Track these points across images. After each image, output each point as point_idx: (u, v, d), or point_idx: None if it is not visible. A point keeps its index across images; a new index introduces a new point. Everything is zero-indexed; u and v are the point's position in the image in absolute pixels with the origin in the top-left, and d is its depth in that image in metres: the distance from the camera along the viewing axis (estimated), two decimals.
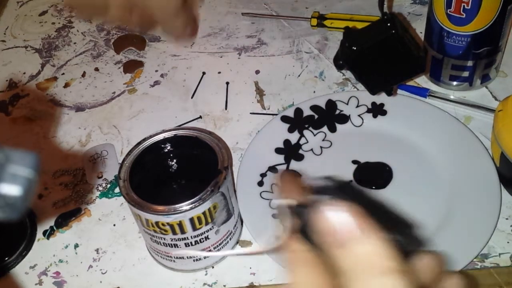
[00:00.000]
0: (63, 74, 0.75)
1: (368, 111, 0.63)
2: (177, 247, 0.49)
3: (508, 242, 0.51)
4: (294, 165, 0.59)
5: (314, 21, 0.75)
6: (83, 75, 0.75)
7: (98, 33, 0.81)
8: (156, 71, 0.74)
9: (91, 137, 0.66)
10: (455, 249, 0.49)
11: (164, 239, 0.48)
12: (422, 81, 0.67)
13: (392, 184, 0.56)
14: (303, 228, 0.25)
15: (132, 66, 0.75)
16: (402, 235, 0.26)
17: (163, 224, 0.46)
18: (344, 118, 0.63)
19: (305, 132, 0.62)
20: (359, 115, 0.62)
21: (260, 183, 0.57)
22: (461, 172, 0.55)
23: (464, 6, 0.56)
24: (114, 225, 0.57)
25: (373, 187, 0.56)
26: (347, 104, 0.63)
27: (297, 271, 0.26)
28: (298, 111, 0.63)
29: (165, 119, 0.67)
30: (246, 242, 0.54)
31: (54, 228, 0.57)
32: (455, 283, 0.27)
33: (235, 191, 0.55)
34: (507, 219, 0.53)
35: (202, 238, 0.49)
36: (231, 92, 0.70)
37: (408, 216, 0.49)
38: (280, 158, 0.59)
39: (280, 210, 0.26)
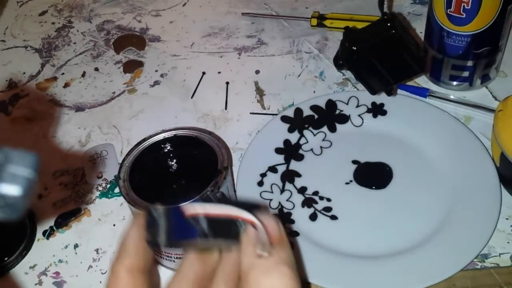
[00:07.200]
0: (63, 74, 0.75)
1: (368, 111, 0.63)
2: None
3: (508, 242, 0.51)
4: (294, 165, 0.59)
5: (314, 21, 0.75)
6: (83, 75, 0.75)
7: (98, 33, 0.81)
8: (156, 71, 0.74)
9: (91, 137, 0.66)
10: (455, 249, 0.49)
11: None
12: (422, 81, 0.67)
13: (392, 184, 0.56)
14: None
15: (132, 66, 0.75)
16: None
17: None
18: (344, 118, 0.62)
19: (305, 132, 0.61)
20: (359, 115, 0.62)
21: (260, 183, 0.57)
22: (461, 172, 0.55)
23: (464, 6, 0.56)
24: (114, 225, 0.57)
25: (373, 187, 0.56)
26: (347, 104, 0.63)
27: None
28: (298, 111, 0.63)
29: (165, 119, 0.67)
30: None
31: (54, 228, 0.57)
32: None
33: (235, 191, 0.55)
34: (507, 219, 0.53)
35: None
36: (231, 92, 0.70)
37: None
38: (280, 158, 0.59)
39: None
